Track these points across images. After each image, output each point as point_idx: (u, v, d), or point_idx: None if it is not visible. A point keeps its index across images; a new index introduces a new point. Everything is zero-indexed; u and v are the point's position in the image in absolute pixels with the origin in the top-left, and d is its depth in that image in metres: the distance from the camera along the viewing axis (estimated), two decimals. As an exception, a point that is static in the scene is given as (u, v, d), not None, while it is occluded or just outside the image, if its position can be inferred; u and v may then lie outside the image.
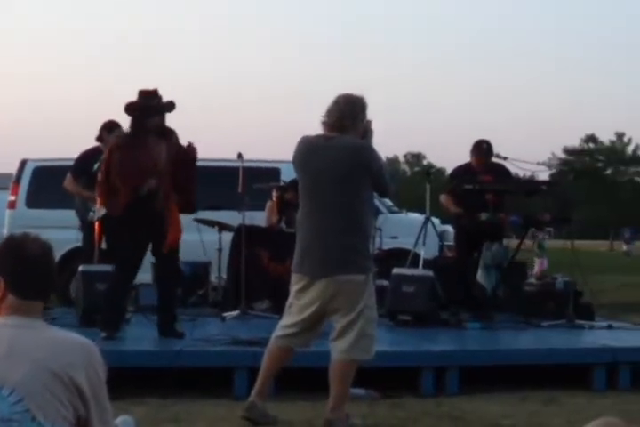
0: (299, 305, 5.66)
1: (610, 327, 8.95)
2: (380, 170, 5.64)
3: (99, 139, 9.26)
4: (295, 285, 5.70)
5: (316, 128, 5.74)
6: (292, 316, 5.71)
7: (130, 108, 7.52)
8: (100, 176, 7.67)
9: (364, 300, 5.56)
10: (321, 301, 5.58)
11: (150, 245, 7.61)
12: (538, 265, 9.89)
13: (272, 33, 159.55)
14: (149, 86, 7.64)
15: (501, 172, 9.61)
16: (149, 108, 7.47)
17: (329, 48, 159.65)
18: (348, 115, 5.60)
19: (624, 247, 50.98)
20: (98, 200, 8.22)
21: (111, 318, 7.50)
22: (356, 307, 5.53)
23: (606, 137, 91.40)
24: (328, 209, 5.59)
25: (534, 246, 10.25)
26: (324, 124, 5.66)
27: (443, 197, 9.63)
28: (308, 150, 5.70)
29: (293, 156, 5.79)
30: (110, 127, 8.88)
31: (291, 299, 5.74)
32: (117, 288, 7.59)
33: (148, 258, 7.83)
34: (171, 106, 7.61)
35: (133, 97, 7.55)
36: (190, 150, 7.65)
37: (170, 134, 7.58)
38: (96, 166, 8.47)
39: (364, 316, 5.56)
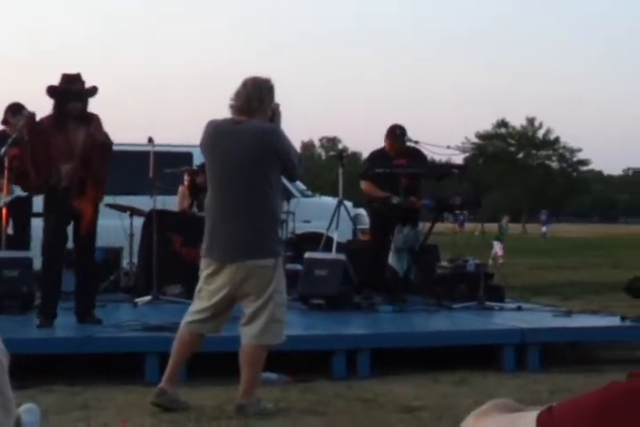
0: (208, 290, 5.62)
1: (519, 309, 9.07)
2: (288, 153, 5.61)
3: (4, 122, 9.06)
4: (205, 270, 5.66)
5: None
6: (201, 301, 5.67)
7: (51, 92, 7.37)
8: (23, 151, 7.48)
9: (274, 284, 5.55)
10: (230, 285, 5.55)
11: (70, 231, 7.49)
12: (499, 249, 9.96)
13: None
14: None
15: (416, 156, 9.59)
16: (70, 92, 7.34)
17: (243, 32, 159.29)
18: (255, 98, 5.56)
19: (543, 229, 52.10)
20: (4, 186, 8.05)
21: (49, 308, 7.38)
22: (265, 292, 5.52)
23: (518, 122, 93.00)
24: (236, 193, 5.55)
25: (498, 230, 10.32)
26: (232, 107, 5.62)
27: (363, 184, 9.55)
28: (217, 134, 5.66)
29: (201, 139, 5.73)
30: (15, 110, 8.70)
31: (200, 284, 5.69)
32: (48, 277, 7.47)
33: None
34: (92, 91, 7.48)
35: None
36: (107, 137, 7.56)
37: (91, 120, 7.45)
38: (2, 151, 8.28)
39: (274, 301, 5.55)
